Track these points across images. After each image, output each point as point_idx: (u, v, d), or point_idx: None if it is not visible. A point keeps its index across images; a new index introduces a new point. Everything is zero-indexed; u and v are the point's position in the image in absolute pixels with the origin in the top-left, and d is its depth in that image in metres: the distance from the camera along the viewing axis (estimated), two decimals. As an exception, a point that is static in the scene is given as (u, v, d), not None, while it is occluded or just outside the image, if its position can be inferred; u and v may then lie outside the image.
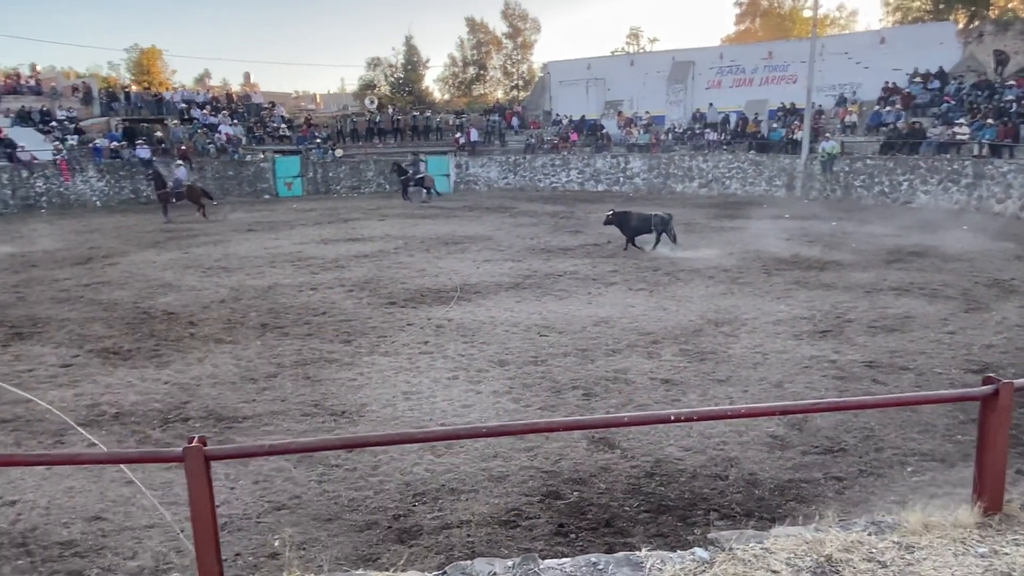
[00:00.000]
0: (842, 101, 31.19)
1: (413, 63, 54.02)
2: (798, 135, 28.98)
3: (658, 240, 16.76)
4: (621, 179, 33.19)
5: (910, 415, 6.99)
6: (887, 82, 30.03)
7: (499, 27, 56.27)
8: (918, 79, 29.41)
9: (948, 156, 24.97)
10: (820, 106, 30.48)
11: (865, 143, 28.19)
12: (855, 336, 9.81)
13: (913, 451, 6.29)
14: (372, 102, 42.20)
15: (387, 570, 3.31)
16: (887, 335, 9.83)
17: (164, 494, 5.75)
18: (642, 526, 5.18)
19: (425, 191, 29.51)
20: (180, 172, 25.53)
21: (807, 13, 41.87)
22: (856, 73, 31.84)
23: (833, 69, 31.79)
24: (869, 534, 3.20)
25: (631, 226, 17.02)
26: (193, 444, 2.72)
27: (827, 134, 28.36)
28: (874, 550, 3.07)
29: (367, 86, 52.82)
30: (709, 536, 3.31)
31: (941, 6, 39.97)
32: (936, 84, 28.85)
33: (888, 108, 28.83)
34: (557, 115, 38.39)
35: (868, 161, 26.94)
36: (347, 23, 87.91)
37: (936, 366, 8.58)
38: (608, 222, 17.41)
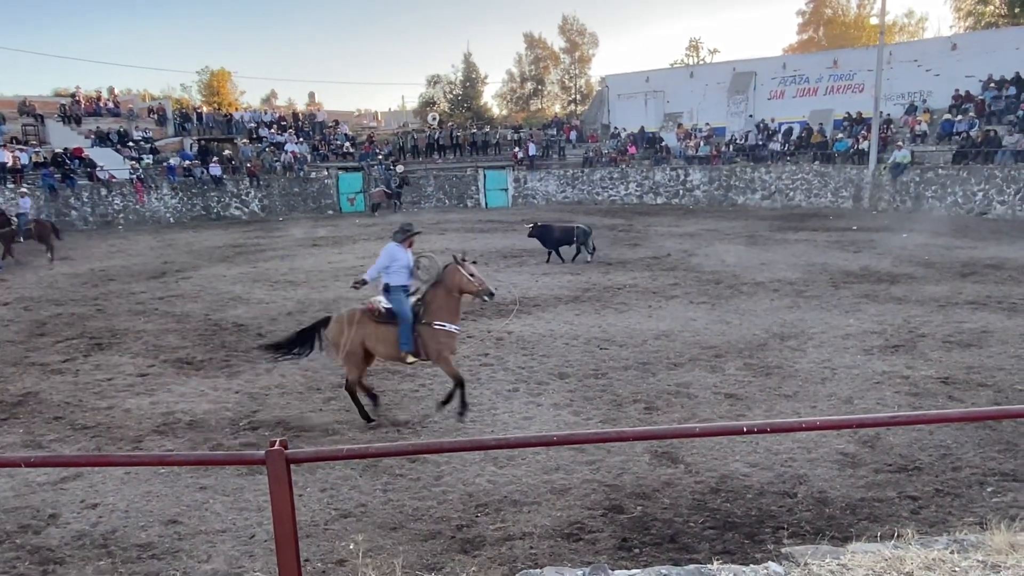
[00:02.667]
0: (912, 109, 30.26)
1: (472, 79, 54.73)
2: (864, 145, 28.22)
3: (578, 252, 17.62)
4: (681, 191, 32.86)
5: (989, 433, 6.71)
6: (958, 89, 29.02)
7: (557, 42, 56.68)
8: (993, 86, 28.33)
9: (1026, 165, 23.95)
10: (888, 115, 29.65)
11: (936, 152, 27.25)
12: (929, 351, 9.47)
13: (993, 471, 6.02)
14: (434, 118, 42.86)
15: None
16: (963, 350, 9.46)
17: (235, 500, 5.93)
18: (708, 543, 5.09)
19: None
20: (24, 203, 20.82)
21: (874, 20, 40.79)
22: (926, 81, 30.85)
23: (902, 77, 30.89)
24: (951, 552, 3.08)
25: (553, 238, 17.81)
26: (275, 447, 2.82)
27: (899, 143, 27.54)
28: (957, 568, 2.95)
29: (427, 103, 53.70)
30: (783, 551, 3.24)
31: (1017, 11, 38.48)
32: (1012, 91, 27.74)
33: (960, 116, 27.84)
34: (615, 128, 38.28)
35: (940, 171, 26.03)
36: (407, 42, 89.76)
37: (1016, 383, 8.21)
38: (531, 234, 18.13)
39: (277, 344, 8.16)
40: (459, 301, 7.65)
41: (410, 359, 7.63)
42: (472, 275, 7.48)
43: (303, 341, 7.95)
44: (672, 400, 8.01)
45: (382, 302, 7.62)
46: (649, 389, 8.37)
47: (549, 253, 17.85)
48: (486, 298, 7.66)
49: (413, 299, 7.64)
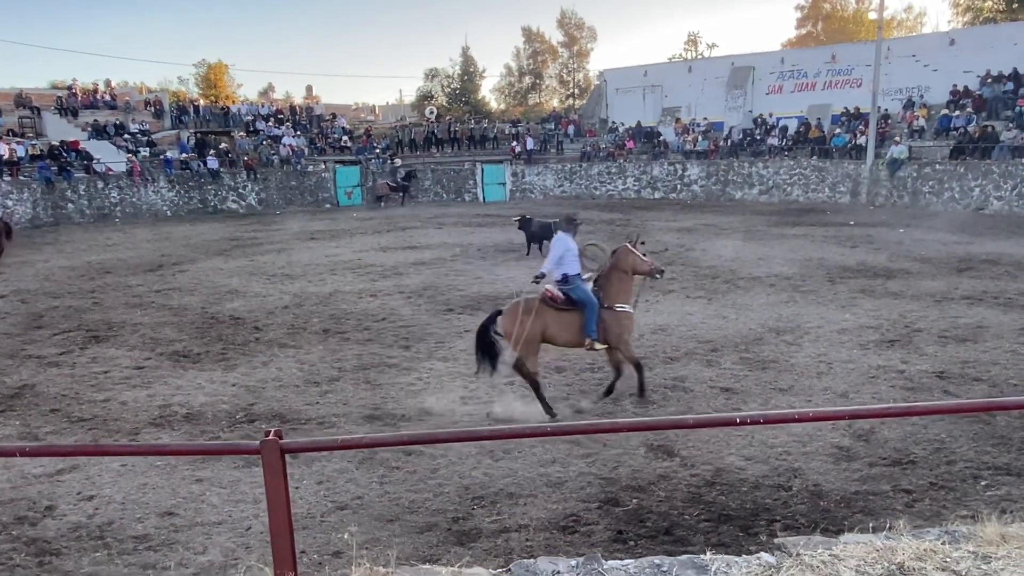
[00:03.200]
0: (910, 105, 30.26)
1: (470, 73, 54.60)
2: (862, 140, 28.23)
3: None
4: (678, 186, 32.85)
5: (983, 427, 6.74)
6: (956, 85, 29.04)
7: (555, 36, 56.49)
8: (990, 81, 28.34)
9: (1023, 161, 23.98)
10: (886, 110, 29.65)
11: (934, 147, 27.28)
12: (924, 346, 9.50)
13: (987, 464, 6.05)
14: (431, 112, 42.79)
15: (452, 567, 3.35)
16: (958, 345, 9.49)
17: (231, 492, 5.94)
18: (703, 535, 5.12)
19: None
20: None
21: (872, 15, 40.80)
22: (924, 76, 30.85)
23: (900, 72, 30.89)
24: (943, 543, 3.10)
25: (531, 231, 18.03)
26: (270, 437, 2.82)
27: (896, 138, 27.55)
28: (948, 559, 2.97)
29: (424, 97, 53.58)
30: (776, 541, 3.25)
31: (1015, 6, 38.46)
32: (1010, 86, 27.75)
33: (958, 112, 27.85)
34: (613, 123, 38.25)
35: (937, 166, 26.06)
36: (405, 35, 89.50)
37: (1011, 377, 8.24)
38: (519, 227, 18.41)
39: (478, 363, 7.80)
40: (632, 282, 7.89)
41: (597, 345, 7.73)
42: (644, 256, 7.82)
43: (484, 346, 7.66)
44: (668, 394, 8.03)
45: (553, 288, 7.71)
46: (645, 383, 8.37)
47: (529, 245, 18.08)
48: (657, 276, 8.04)
49: (589, 285, 7.80)
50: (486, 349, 7.62)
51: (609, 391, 7.85)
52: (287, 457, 2.96)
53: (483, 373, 7.78)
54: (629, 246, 7.90)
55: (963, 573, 2.86)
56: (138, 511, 5.68)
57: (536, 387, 7.60)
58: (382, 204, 32.30)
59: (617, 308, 7.69)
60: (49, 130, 31.15)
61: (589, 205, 30.91)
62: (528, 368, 7.56)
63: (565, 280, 7.67)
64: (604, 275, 7.83)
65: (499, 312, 7.76)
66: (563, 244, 7.76)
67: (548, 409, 7.48)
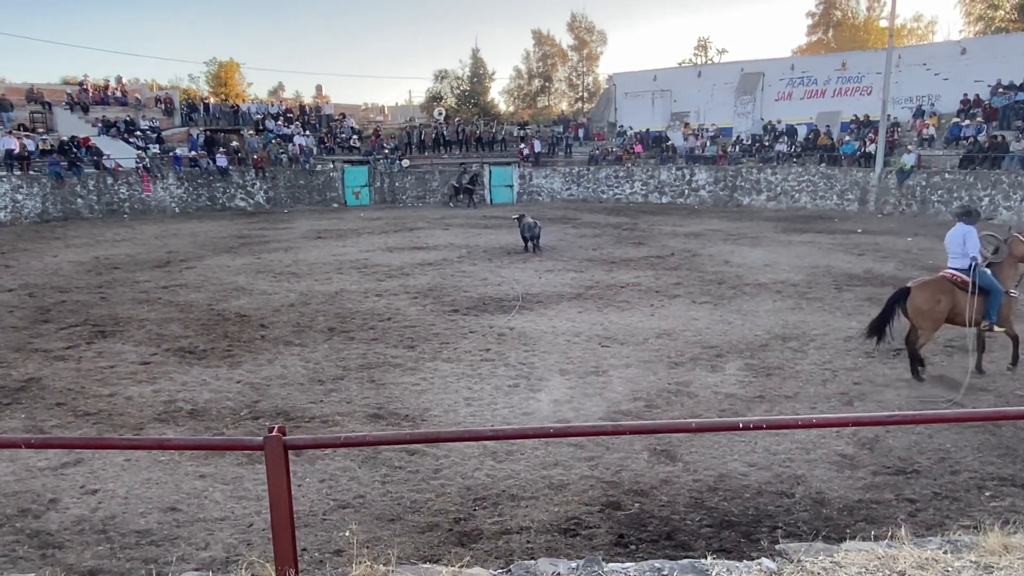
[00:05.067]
0: (920, 113, 30.18)
1: (479, 75, 54.64)
2: (871, 148, 28.15)
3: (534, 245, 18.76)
4: (686, 191, 32.81)
5: (988, 437, 6.71)
6: (967, 94, 28.94)
7: (565, 39, 56.56)
8: (1002, 91, 28.23)
9: (1034, 171, 23.88)
10: (896, 118, 29.57)
11: (944, 156, 27.19)
12: (931, 356, 9.45)
13: (992, 475, 6.02)
14: (440, 113, 42.84)
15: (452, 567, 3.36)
16: (965, 355, 9.43)
17: (234, 488, 5.96)
18: (704, 540, 5.11)
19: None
20: None
21: (883, 23, 40.69)
22: (935, 85, 30.78)
23: (910, 80, 30.82)
24: (944, 552, 3.08)
25: (520, 231, 18.91)
26: (273, 434, 2.83)
27: (908, 147, 27.47)
28: (950, 568, 2.96)
29: (434, 98, 53.65)
30: (777, 547, 3.25)
31: (1027, 15, 38.33)
32: (1021, 96, 27.64)
33: (968, 121, 27.75)
34: (622, 126, 38.25)
35: (947, 175, 25.97)
36: (415, 36, 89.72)
37: (1017, 388, 8.21)
38: (519, 226, 19.15)
39: (872, 330, 8.67)
40: (1018, 269, 8.55)
41: (997, 328, 8.38)
42: None
43: (886, 317, 8.53)
44: (672, 399, 8.02)
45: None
46: (649, 387, 8.37)
47: (525, 244, 18.87)
48: None
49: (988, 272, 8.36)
50: (885, 320, 8.51)
51: (1016, 360, 8.64)
52: (290, 454, 2.97)
53: (871, 342, 8.80)
54: (1020, 237, 8.58)
55: (964, 583, 2.85)
56: (141, 506, 5.70)
57: (921, 361, 8.41)
58: (451, 204, 32.61)
59: (1011, 293, 8.41)
60: (60, 125, 31.32)
61: (596, 208, 30.90)
62: (921, 343, 8.36)
63: (969, 266, 8.27)
64: (1000, 263, 8.51)
65: (907, 289, 8.47)
66: (975, 234, 8.39)
67: (917, 375, 8.39)
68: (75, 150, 28.95)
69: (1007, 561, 3.01)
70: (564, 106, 54.94)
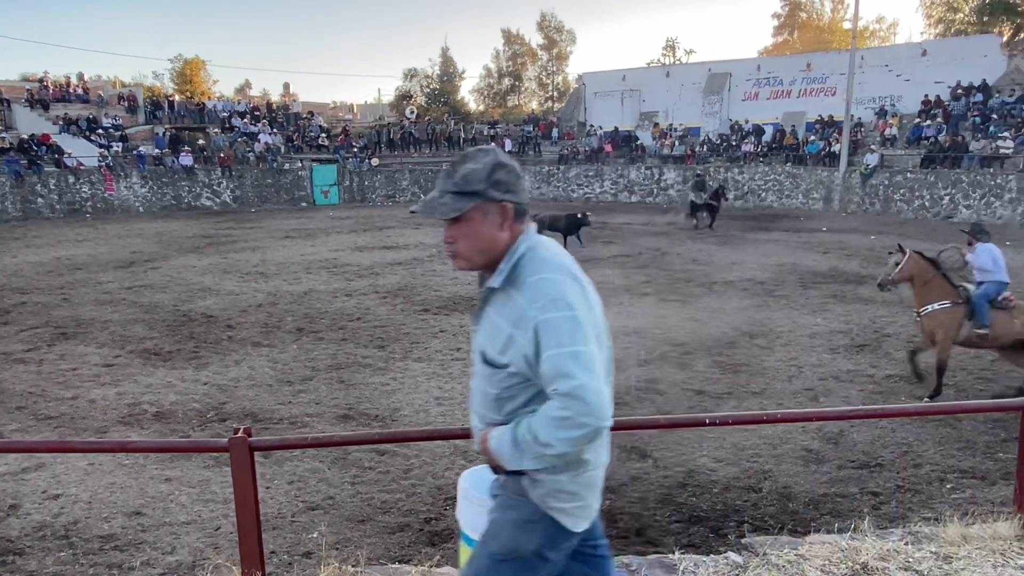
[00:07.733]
0: (882, 113, 30.77)
1: (449, 74, 54.53)
2: (836, 147, 28.63)
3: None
4: (655, 190, 33.08)
5: (949, 431, 6.86)
6: (928, 95, 29.57)
7: (535, 39, 56.68)
8: (960, 92, 28.90)
9: (991, 170, 24.48)
10: (859, 119, 30.10)
11: (905, 156, 27.76)
12: (893, 351, 9.65)
13: (952, 468, 6.17)
14: (412, 112, 42.63)
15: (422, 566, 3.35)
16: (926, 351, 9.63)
17: (201, 492, 5.88)
18: (673, 536, 5.15)
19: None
20: None
21: (847, 25, 41.40)
22: (897, 86, 31.41)
23: (873, 81, 31.41)
24: (906, 544, 3.15)
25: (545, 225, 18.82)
26: (238, 435, 2.80)
27: (871, 147, 27.98)
28: (911, 559, 3.03)
29: (403, 96, 53.39)
30: (743, 541, 3.30)
31: (985, 19, 39.27)
32: (979, 97, 28.32)
33: (929, 121, 28.36)
34: (591, 126, 38.43)
35: (908, 175, 26.51)
36: (384, 35, 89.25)
37: (976, 383, 8.41)
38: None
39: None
40: None
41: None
42: None
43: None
44: (642, 396, 8.08)
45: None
46: (618, 385, 8.36)
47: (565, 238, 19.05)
48: None
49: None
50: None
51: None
52: (258, 456, 2.94)
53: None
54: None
55: (925, 573, 2.92)
56: (105, 510, 5.59)
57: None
58: (695, 225, 23.47)
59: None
60: (19, 123, 30.62)
61: (566, 207, 30.94)
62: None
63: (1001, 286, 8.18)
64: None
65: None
66: (996, 252, 8.39)
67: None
68: (35, 148, 28.33)
69: (965, 551, 3.08)
70: (534, 105, 55.04)
